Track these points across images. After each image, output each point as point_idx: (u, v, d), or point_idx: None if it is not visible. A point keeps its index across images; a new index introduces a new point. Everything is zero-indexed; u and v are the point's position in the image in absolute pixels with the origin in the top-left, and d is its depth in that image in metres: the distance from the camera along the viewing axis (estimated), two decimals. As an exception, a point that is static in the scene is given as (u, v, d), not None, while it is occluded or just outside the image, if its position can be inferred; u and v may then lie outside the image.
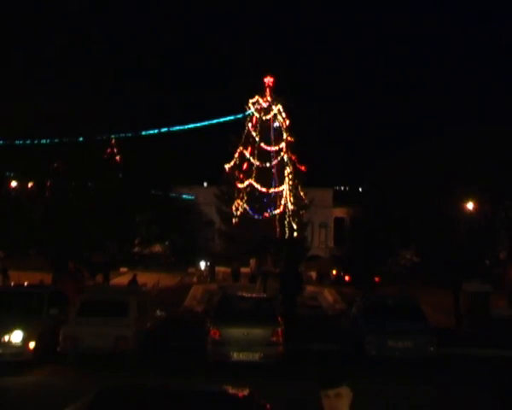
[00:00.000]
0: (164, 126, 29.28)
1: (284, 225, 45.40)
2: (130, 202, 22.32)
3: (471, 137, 20.57)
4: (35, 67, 22.42)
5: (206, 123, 45.45)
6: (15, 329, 13.01)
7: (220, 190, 47.29)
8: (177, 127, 36.57)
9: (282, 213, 45.51)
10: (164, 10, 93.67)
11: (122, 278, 29.74)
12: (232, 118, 46.30)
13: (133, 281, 26.36)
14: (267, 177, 45.19)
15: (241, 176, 44.88)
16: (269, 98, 46.35)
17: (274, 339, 13.22)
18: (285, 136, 46.33)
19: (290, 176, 46.15)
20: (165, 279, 30.77)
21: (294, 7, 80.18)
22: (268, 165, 45.43)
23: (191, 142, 43.83)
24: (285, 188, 45.95)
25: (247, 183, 44.59)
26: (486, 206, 22.37)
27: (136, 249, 25.09)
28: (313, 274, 37.93)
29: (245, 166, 45.09)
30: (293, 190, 46.40)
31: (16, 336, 12.93)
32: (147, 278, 28.98)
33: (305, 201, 47.07)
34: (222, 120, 46.33)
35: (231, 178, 45.40)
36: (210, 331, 13.47)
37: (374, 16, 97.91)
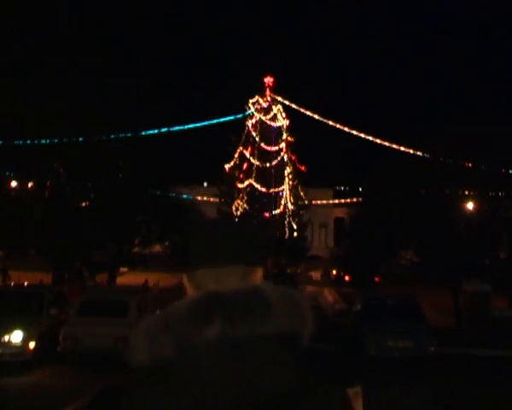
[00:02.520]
0: (164, 126, 29.26)
1: (284, 225, 45.40)
2: (131, 202, 22.31)
3: (471, 136, 20.57)
4: (35, 67, 22.40)
5: (206, 123, 45.48)
6: (15, 329, 13.01)
7: (220, 190, 47.28)
8: (177, 127, 36.56)
9: (282, 213, 45.51)
10: (164, 10, 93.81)
11: (122, 279, 29.70)
12: (232, 118, 46.34)
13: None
14: (267, 177, 45.19)
15: (241, 176, 44.88)
16: (269, 98, 46.39)
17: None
18: (285, 136, 46.34)
19: (290, 176, 46.16)
20: (165, 279, 30.75)
21: (294, 7, 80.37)
22: (268, 165, 45.43)
23: (191, 142, 43.85)
24: (285, 188, 45.95)
25: (247, 183, 44.59)
26: (486, 206, 22.37)
27: (137, 249, 25.10)
28: (313, 274, 37.87)
29: (245, 166, 45.09)
30: (293, 190, 46.41)
31: (16, 336, 12.92)
32: (147, 278, 28.94)
33: (305, 201, 47.08)
34: (222, 120, 46.37)
35: (231, 178, 45.40)
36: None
37: (374, 15, 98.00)
